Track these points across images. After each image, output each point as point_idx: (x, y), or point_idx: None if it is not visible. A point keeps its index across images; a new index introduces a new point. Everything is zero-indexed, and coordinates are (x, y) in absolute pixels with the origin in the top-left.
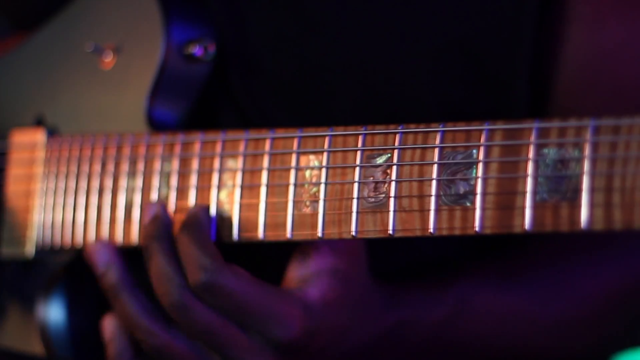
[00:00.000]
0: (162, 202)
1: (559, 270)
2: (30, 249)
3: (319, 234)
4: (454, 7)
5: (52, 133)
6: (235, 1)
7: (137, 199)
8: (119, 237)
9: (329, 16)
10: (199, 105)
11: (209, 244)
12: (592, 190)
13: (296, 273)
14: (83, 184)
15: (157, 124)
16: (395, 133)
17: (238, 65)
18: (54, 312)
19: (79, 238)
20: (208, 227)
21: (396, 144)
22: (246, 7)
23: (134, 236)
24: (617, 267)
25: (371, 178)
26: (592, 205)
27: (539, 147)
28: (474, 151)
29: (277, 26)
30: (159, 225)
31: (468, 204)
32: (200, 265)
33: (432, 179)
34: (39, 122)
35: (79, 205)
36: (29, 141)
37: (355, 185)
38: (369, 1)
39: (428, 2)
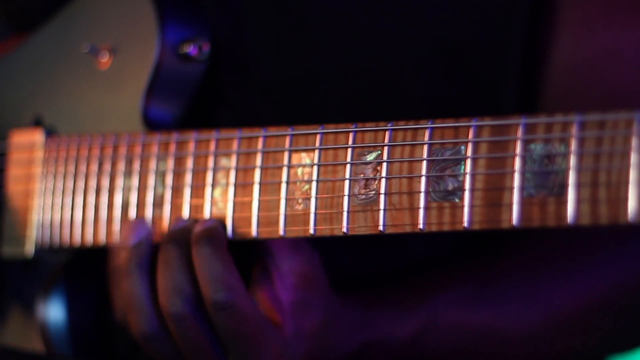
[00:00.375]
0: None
1: (534, 282)
2: (30, 249)
3: (311, 231)
4: (445, 9)
5: (50, 133)
6: (231, 1)
7: (134, 198)
8: (115, 236)
9: (320, 18)
10: (194, 104)
11: (231, 262)
12: (579, 186)
13: (265, 296)
14: (81, 184)
15: (153, 123)
16: (385, 130)
17: (232, 65)
18: (53, 311)
19: (77, 237)
20: (226, 243)
21: (386, 141)
22: (241, 7)
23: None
24: (593, 278)
25: (362, 175)
26: (578, 201)
27: (525, 143)
28: (462, 147)
29: (271, 27)
30: (181, 230)
31: (457, 200)
32: (224, 283)
33: (422, 176)
34: (37, 123)
35: (77, 205)
36: (27, 142)
37: (346, 183)
38: (360, 3)
39: (419, 3)
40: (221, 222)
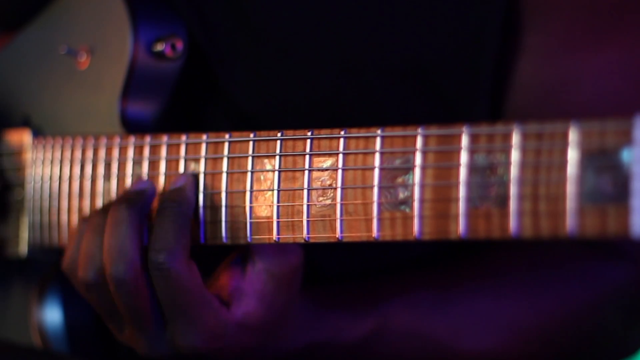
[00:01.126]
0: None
1: (492, 298)
2: (23, 249)
3: (275, 239)
4: (415, 30)
5: (37, 134)
6: (199, 3)
7: None
8: None
9: (288, 36)
10: (185, 100)
11: (186, 231)
12: (520, 198)
13: (228, 281)
14: (65, 187)
15: (131, 123)
16: (338, 138)
17: (210, 61)
18: (49, 311)
19: (65, 240)
20: (191, 210)
21: (340, 148)
22: (207, 7)
23: None
24: (554, 297)
25: (319, 182)
26: (520, 213)
27: (471, 153)
28: (411, 156)
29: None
30: (138, 192)
31: (407, 210)
32: (167, 246)
33: (374, 186)
34: (25, 123)
35: (62, 209)
36: (17, 142)
37: (305, 190)
38: (328, 21)
39: (390, 24)
40: (191, 184)
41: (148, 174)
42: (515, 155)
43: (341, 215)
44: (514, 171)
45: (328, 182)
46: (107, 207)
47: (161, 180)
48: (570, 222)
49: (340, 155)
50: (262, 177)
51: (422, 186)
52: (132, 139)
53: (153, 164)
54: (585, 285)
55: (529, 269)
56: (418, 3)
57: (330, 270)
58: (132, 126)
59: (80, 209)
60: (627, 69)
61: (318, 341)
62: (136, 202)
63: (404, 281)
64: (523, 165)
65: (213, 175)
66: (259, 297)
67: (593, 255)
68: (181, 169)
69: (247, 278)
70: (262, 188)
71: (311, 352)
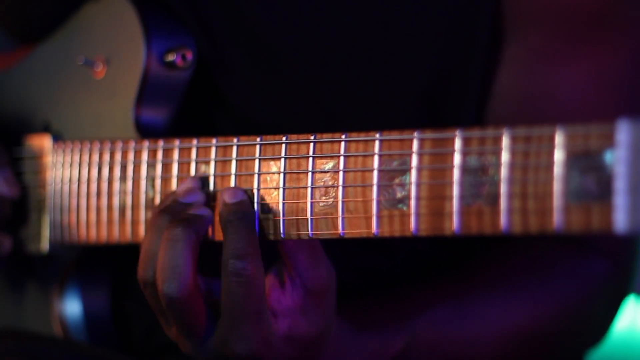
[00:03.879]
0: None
1: (500, 305)
2: (45, 246)
3: (282, 236)
4: (417, 59)
5: (57, 139)
6: (204, 15)
7: (129, 201)
8: (115, 236)
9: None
10: (193, 108)
11: (257, 238)
12: (510, 196)
13: (270, 294)
14: (84, 188)
15: (145, 129)
16: (340, 141)
17: (215, 71)
18: (69, 304)
19: (84, 236)
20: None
21: (341, 151)
22: (213, 21)
23: (128, 235)
24: (552, 297)
25: (322, 183)
26: (510, 211)
27: (463, 155)
28: (407, 158)
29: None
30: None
31: (405, 209)
32: (247, 251)
33: (373, 186)
34: (45, 129)
35: (81, 208)
36: (38, 147)
37: (309, 190)
38: (330, 32)
39: (389, 39)
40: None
41: (161, 176)
42: (505, 157)
43: (343, 213)
44: (504, 171)
45: (330, 183)
46: (168, 209)
47: (174, 182)
48: (557, 219)
49: (342, 158)
50: (268, 179)
51: (418, 186)
52: (146, 143)
53: (166, 167)
54: (576, 283)
55: (526, 273)
56: (413, 17)
57: (348, 283)
58: (146, 131)
59: (98, 208)
60: (601, 80)
61: (374, 351)
62: (195, 225)
63: (423, 295)
64: (512, 166)
65: (222, 177)
66: (300, 311)
67: (579, 253)
68: (192, 172)
69: (286, 292)
70: (268, 187)
71: None
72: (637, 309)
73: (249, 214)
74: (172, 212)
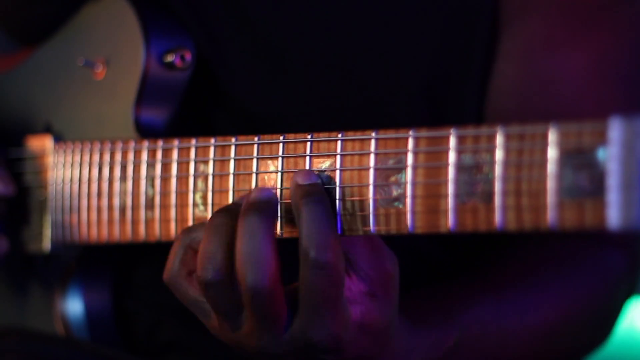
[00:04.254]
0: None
1: (531, 296)
2: (46, 245)
3: (278, 234)
4: (417, 55)
5: (58, 139)
6: (204, 16)
7: (129, 201)
8: (115, 235)
9: (288, 40)
10: (192, 107)
11: (335, 226)
12: (504, 194)
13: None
14: (85, 188)
15: (144, 129)
16: (336, 140)
17: (216, 69)
18: (71, 302)
19: (85, 236)
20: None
21: (338, 150)
22: (213, 21)
23: (128, 234)
24: (576, 289)
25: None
26: (504, 208)
27: (458, 153)
28: (403, 157)
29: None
30: (267, 201)
31: (400, 206)
32: (330, 244)
33: (369, 185)
34: (47, 130)
35: (82, 208)
36: (39, 147)
37: None
38: (331, 28)
39: (390, 36)
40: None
41: (161, 176)
42: (499, 155)
43: (340, 211)
44: (498, 169)
45: (327, 181)
46: (228, 209)
47: (173, 182)
48: (550, 216)
49: (338, 157)
50: (266, 178)
51: (414, 184)
52: (145, 143)
53: (165, 166)
54: (597, 275)
55: (551, 269)
56: (413, 12)
57: None
58: (146, 131)
59: (98, 208)
60: (601, 67)
61: (429, 344)
62: (267, 210)
63: (465, 292)
64: (506, 163)
65: (221, 176)
66: (370, 298)
67: (596, 247)
68: (191, 171)
69: (354, 280)
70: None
71: (430, 354)
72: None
73: (323, 197)
74: (233, 208)
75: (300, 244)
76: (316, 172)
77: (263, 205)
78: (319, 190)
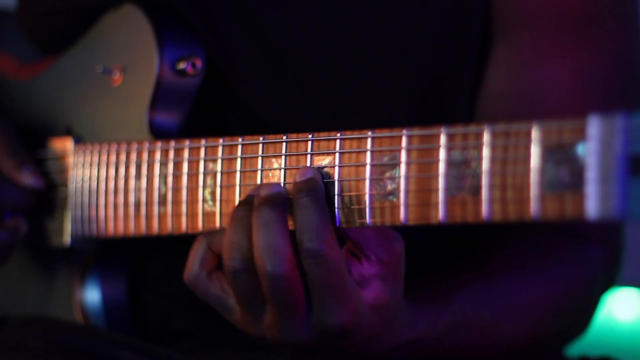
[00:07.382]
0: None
1: (519, 284)
2: (67, 239)
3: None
4: (413, 60)
5: (78, 141)
6: (214, 23)
7: (144, 197)
8: (131, 229)
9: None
10: (204, 111)
11: (327, 214)
12: (491, 187)
13: (349, 268)
14: (102, 186)
15: (158, 131)
16: (335, 139)
17: (227, 74)
18: (89, 292)
19: (103, 230)
20: (324, 195)
21: (337, 148)
22: (223, 29)
23: (143, 228)
24: (559, 280)
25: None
26: (491, 201)
27: (448, 150)
28: (397, 154)
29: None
30: (278, 194)
31: (395, 200)
32: (317, 233)
33: (365, 180)
34: (68, 132)
35: (100, 204)
36: (60, 148)
37: None
38: (338, 34)
39: (393, 42)
40: (320, 173)
41: (173, 174)
42: (486, 151)
43: (339, 205)
44: (485, 164)
45: (328, 177)
46: (246, 202)
47: (184, 179)
48: (533, 207)
49: (337, 154)
50: (270, 175)
51: (407, 179)
52: (159, 144)
53: (177, 165)
54: (577, 268)
55: (534, 259)
56: (409, 20)
57: None
58: (159, 133)
59: (115, 204)
60: (586, 79)
61: (416, 337)
62: (279, 202)
63: (455, 277)
64: (493, 159)
65: (228, 173)
66: (381, 282)
67: (576, 241)
68: (201, 169)
69: (364, 265)
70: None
71: (410, 347)
72: (614, 298)
73: (318, 192)
74: (249, 200)
75: (297, 238)
76: (316, 169)
77: (274, 198)
78: (311, 186)
